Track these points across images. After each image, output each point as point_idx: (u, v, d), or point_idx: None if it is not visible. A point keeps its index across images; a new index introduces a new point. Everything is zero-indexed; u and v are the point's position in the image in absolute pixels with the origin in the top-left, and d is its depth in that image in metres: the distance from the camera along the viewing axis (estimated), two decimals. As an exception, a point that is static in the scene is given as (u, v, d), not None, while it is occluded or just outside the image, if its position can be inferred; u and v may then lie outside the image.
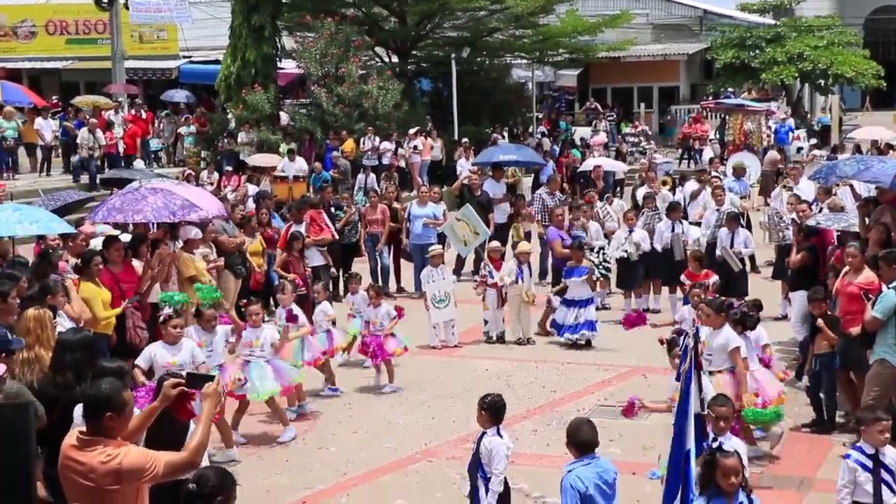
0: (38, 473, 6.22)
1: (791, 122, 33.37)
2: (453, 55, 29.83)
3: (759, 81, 37.62)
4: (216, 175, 22.91)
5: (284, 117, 27.28)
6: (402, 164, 26.09)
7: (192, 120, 28.83)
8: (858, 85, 38.46)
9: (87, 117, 25.82)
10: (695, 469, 5.83)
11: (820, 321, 9.75)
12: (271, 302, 13.14)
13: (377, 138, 25.69)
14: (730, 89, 37.82)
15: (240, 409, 9.87)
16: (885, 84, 38.32)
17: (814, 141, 33.09)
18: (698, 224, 15.45)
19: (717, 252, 13.78)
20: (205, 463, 6.05)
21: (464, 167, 23.76)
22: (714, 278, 12.54)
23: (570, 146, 29.64)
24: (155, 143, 28.71)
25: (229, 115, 27.16)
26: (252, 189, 19.28)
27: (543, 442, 9.58)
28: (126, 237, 11.84)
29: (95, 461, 4.86)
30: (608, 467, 6.20)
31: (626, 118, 36.99)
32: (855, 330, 9.28)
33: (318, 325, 11.23)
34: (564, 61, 35.55)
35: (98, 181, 22.53)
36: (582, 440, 6.17)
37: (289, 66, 30.05)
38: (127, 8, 31.18)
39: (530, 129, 33.40)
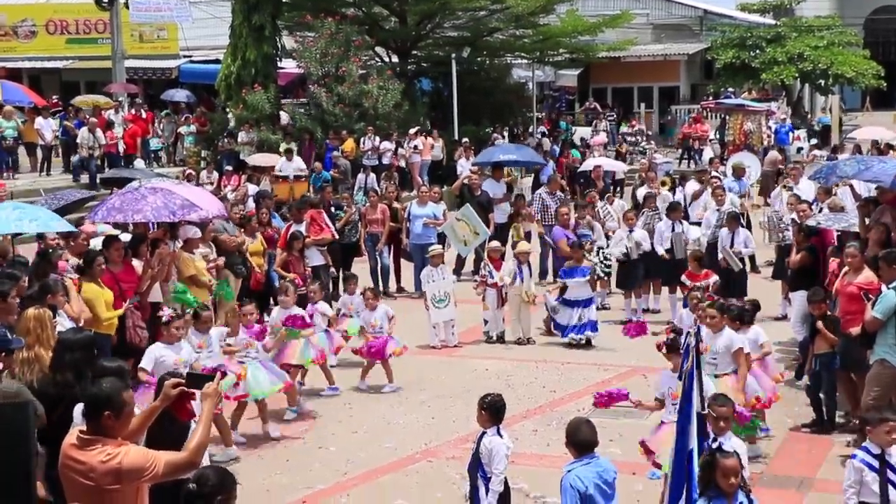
0: (39, 474, 6.23)
1: (789, 122, 33.37)
2: (453, 55, 29.83)
3: (760, 81, 37.62)
4: (215, 174, 22.91)
5: (284, 117, 27.28)
6: (403, 163, 26.10)
7: (193, 119, 28.84)
8: (858, 85, 38.46)
9: (87, 117, 25.83)
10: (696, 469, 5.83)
11: (819, 323, 9.76)
12: (271, 301, 13.16)
13: (377, 138, 25.70)
14: (730, 89, 37.81)
15: (238, 408, 9.87)
16: (885, 84, 38.32)
17: (814, 141, 33.09)
18: (699, 224, 15.45)
19: (719, 254, 13.77)
20: (205, 462, 6.06)
21: (464, 167, 23.77)
22: (714, 278, 12.55)
23: (570, 146, 29.64)
24: (155, 143, 28.71)
25: (229, 115, 27.16)
26: (252, 189, 19.28)
27: (543, 442, 9.59)
28: (126, 237, 11.83)
29: (95, 460, 4.86)
30: (608, 467, 6.20)
31: (625, 118, 36.99)
32: (855, 330, 9.29)
33: (317, 326, 11.23)
34: (565, 61, 35.55)
35: (98, 181, 22.53)
36: (581, 440, 6.17)
37: (289, 66, 30.05)
38: (127, 7, 31.18)
39: (530, 129, 33.39)
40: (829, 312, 9.93)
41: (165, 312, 9.05)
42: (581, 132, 33.49)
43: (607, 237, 15.34)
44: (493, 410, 6.94)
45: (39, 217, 10.82)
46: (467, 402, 9.56)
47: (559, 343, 13.24)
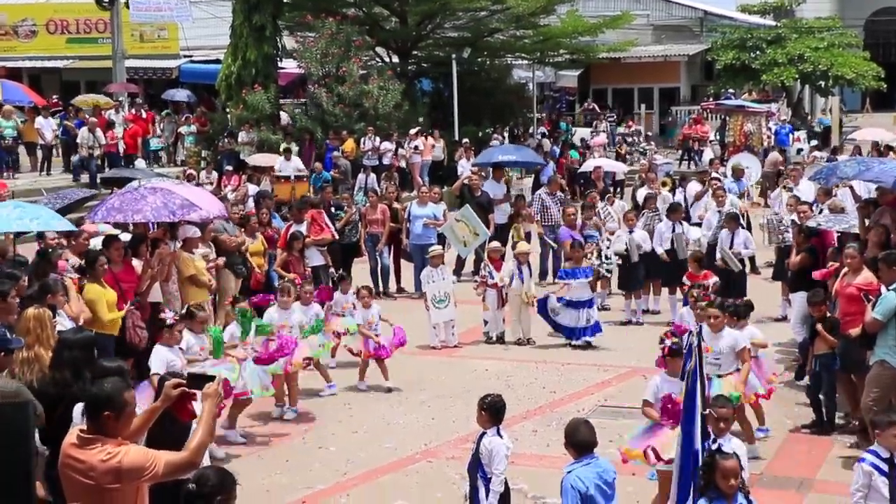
0: (38, 474, 6.23)
1: (789, 123, 33.37)
2: (454, 55, 29.83)
3: (760, 83, 37.62)
4: (215, 175, 22.91)
5: (284, 117, 27.28)
6: (403, 164, 26.10)
7: (193, 119, 28.84)
8: (859, 86, 38.47)
9: (87, 117, 25.84)
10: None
11: (819, 326, 9.76)
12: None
13: (377, 138, 25.70)
14: (730, 90, 37.82)
15: (236, 406, 9.85)
16: (885, 86, 38.33)
17: (814, 142, 33.10)
18: (700, 225, 15.45)
19: (717, 254, 13.78)
20: (206, 462, 6.06)
21: (464, 167, 23.78)
22: (714, 279, 12.56)
23: (569, 147, 29.64)
24: (155, 143, 28.71)
25: (229, 115, 27.15)
26: (252, 189, 19.28)
27: (543, 442, 9.59)
28: (126, 236, 11.83)
29: (95, 459, 4.86)
30: (608, 467, 6.21)
31: (622, 119, 36.99)
32: (855, 331, 9.29)
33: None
34: (565, 62, 35.55)
35: (98, 180, 22.54)
36: (580, 441, 6.18)
37: (289, 66, 30.06)
38: (128, 7, 31.17)
39: (531, 130, 33.40)
40: (828, 314, 9.93)
41: (168, 315, 9.04)
42: (581, 133, 33.48)
43: (608, 238, 15.33)
44: (493, 411, 6.94)
45: (41, 216, 10.83)
46: (467, 402, 9.56)
47: (559, 344, 13.24)
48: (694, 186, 17.73)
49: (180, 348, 8.95)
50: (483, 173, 20.25)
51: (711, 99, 36.91)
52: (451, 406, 10.78)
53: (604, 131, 33.60)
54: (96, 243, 11.50)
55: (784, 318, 13.49)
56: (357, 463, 9.30)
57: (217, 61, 30.88)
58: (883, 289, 9.08)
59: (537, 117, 34.82)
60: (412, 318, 13.98)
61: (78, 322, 9.03)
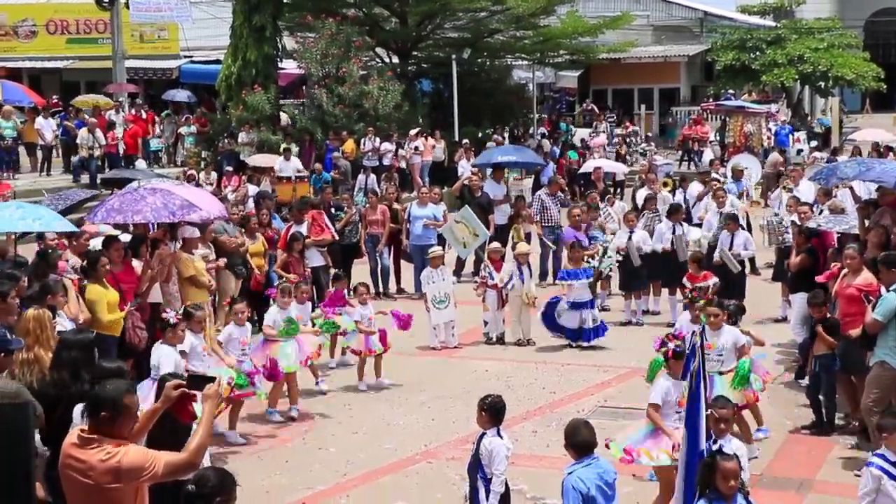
0: (38, 474, 6.23)
1: (789, 124, 33.39)
2: (454, 56, 29.83)
3: (760, 83, 37.62)
4: (214, 175, 22.91)
5: (284, 117, 27.28)
6: (403, 165, 26.10)
7: (193, 120, 28.84)
8: (858, 87, 38.46)
9: (87, 117, 25.84)
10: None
11: (819, 328, 9.76)
12: (270, 302, 13.14)
13: (377, 139, 25.70)
14: (730, 91, 37.84)
15: (235, 407, 9.87)
16: (885, 86, 38.32)
17: (814, 143, 33.10)
18: (701, 226, 15.45)
19: (716, 254, 13.79)
20: (206, 463, 6.06)
21: (465, 168, 23.78)
22: (714, 280, 12.55)
23: (568, 148, 29.62)
24: (155, 144, 28.71)
25: (229, 115, 27.15)
26: (252, 189, 19.28)
27: (543, 443, 9.58)
28: (126, 237, 11.83)
29: (94, 459, 4.87)
30: (608, 468, 6.21)
31: (619, 120, 36.98)
32: (855, 332, 9.29)
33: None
34: (565, 63, 35.55)
35: (98, 181, 22.54)
36: (580, 441, 6.18)
37: (289, 67, 30.06)
38: (128, 7, 31.17)
39: (531, 131, 33.39)
40: (829, 315, 9.93)
41: (170, 314, 9.06)
42: (581, 134, 33.48)
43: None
44: (493, 411, 6.95)
45: (43, 217, 10.82)
46: (467, 403, 9.56)
47: (559, 345, 13.23)
48: (696, 187, 17.74)
49: (182, 351, 8.96)
50: (479, 174, 20.23)
51: (711, 100, 36.93)
52: (451, 407, 10.78)
53: (604, 132, 33.62)
54: (96, 244, 11.50)
55: (784, 319, 13.49)
56: (357, 464, 9.30)
57: (217, 62, 30.89)
58: (883, 290, 9.08)
59: (537, 118, 34.83)
60: (412, 318, 13.98)
61: (77, 323, 9.03)
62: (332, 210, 16.25)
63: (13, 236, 11.42)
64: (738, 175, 19.12)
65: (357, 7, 30.23)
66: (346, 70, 26.32)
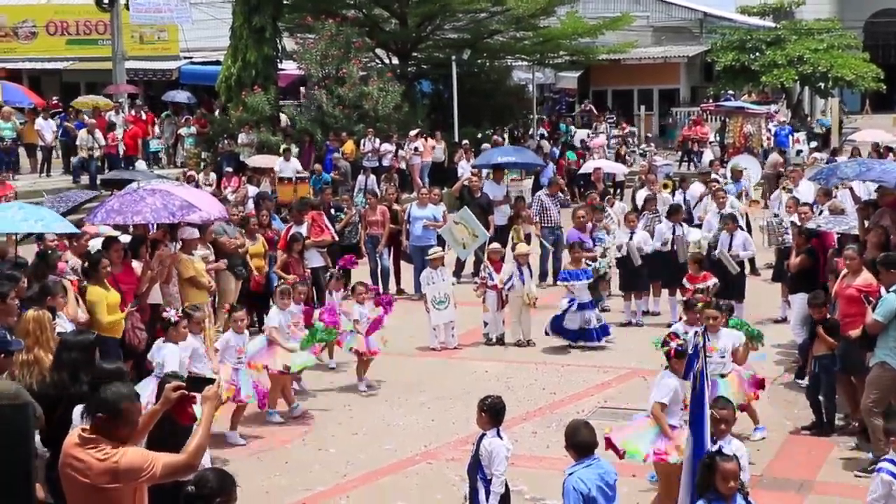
0: (39, 476, 6.23)
1: (789, 125, 33.40)
2: (454, 57, 29.84)
3: (759, 84, 37.64)
4: (213, 176, 22.92)
5: (284, 118, 27.28)
6: (403, 165, 26.10)
7: (193, 121, 28.84)
8: (858, 88, 38.48)
9: (87, 118, 25.85)
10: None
11: (820, 328, 9.75)
12: (271, 303, 13.14)
13: (377, 140, 25.70)
14: (730, 92, 37.85)
15: (237, 411, 9.88)
16: (884, 87, 38.33)
17: (814, 144, 33.10)
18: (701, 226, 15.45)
19: (715, 254, 13.79)
20: (207, 464, 6.06)
21: (464, 169, 23.77)
22: (713, 281, 12.55)
23: (568, 148, 29.61)
24: (155, 145, 28.72)
25: (229, 116, 27.15)
26: (252, 190, 19.29)
27: (543, 444, 9.58)
28: (126, 238, 11.83)
29: (93, 459, 4.88)
30: (609, 469, 6.21)
31: (616, 121, 36.99)
32: (855, 333, 9.29)
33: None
34: (565, 63, 35.56)
35: (98, 182, 22.54)
36: (580, 442, 6.18)
37: (289, 68, 30.06)
38: (128, 8, 31.18)
39: (530, 132, 33.40)
40: (829, 316, 9.93)
41: (171, 313, 9.06)
42: (581, 134, 33.49)
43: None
44: (492, 412, 6.95)
45: (45, 218, 10.82)
46: (467, 403, 9.56)
47: (559, 345, 13.23)
48: (697, 188, 17.74)
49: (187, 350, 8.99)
50: (479, 175, 20.23)
51: (711, 100, 36.95)
52: (450, 407, 10.78)
53: (603, 133, 33.63)
54: (95, 245, 11.51)
55: (784, 320, 13.49)
56: (357, 464, 9.30)
57: (217, 63, 30.89)
58: (883, 290, 9.08)
59: (537, 119, 34.84)
60: (412, 319, 13.99)
61: (76, 324, 9.04)
62: (332, 211, 16.26)
63: (14, 237, 11.42)
64: (737, 176, 19.13)
65: (357, 8, 30.23)
66: (345, 71, 26.33)
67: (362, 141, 25.68)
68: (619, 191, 24.30)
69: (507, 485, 6.92)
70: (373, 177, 22.16)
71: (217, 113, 28.39)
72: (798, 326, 11.81)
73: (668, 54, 39.66)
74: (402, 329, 13.89)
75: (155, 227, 12.32)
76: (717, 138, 31.83)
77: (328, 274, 13.24)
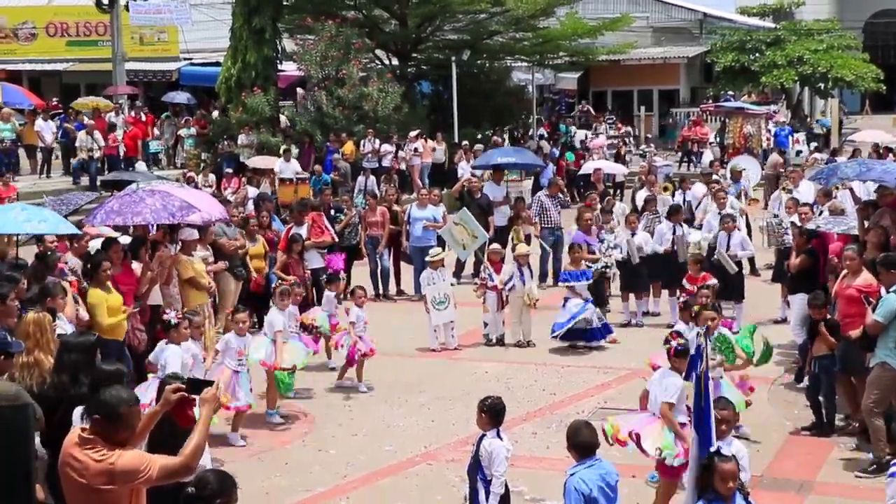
0: (40, 477, 6.23)
1: (789, 125, 33.40)
2: (453, 58, 29.83)
3: (759, 85, 37.63)
4: (212, 177, 22.92)
5: (283, 119, 27.28)
6: (403, 166, 26.10)
7: (193, 122, 28.84)
8: (858, 88, 38.46)
9: (86, 119, 25.86)
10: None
11: (822, 326, 9.76)
12: (270, 304, 13.14)
13: (377, 141, 25.70)
14: (730, 92, 37.85)
15: (238, 414, 9.88)
16: (884, 87, 38.32)
17: (814, 145, 33.09)
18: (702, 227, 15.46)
19: (715, 256, 13.79)
20: (207, 465, 6.05)
21: (464, 170, 23.77)
22: (713, 281, 12.55)
23: (567, 149, 29.60)
24: (155, 146, 28.72)
25: (229, 116, 27.15)
26: (252, 191, 19.28)
27: (543, 445, 9.58)
28: (126, 239, 11.83)
29: (90, 459, 4.89)
30: (610, 470, 6.21)
31: (612, 121, 36.99)
32: (855, 333, 9.29)
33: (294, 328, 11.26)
34: (564, 64, 35.55)
35: (98, 183, 22.55)
36: (582, 442, 6.18)
37: (289, 69, 30.06)
38: (127, 10, 31.19)
39: (530, 132, 33.39)
40: (829, 316, 9.93)
41: (172, 314, 9.05)
42: (581, 135, 33.47)
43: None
44: (492, 413, 6.95)
45: (48, 219, 10.82)
46: (467, 404, 9.56)
47: (559, 346, 13.23)
48: (699, 188, 17.74)
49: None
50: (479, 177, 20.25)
51: (711, 101, 36.93)
52: (450, 408, 10.78)
53: (602, 133, 33.62)
54: (95, 246, 11.50)
55: (784, 321, 13.48)
56: (357, 465, 9.30)
57: (217, 64, 30.89)
58: (883, 291, 9.08)
59: (537, 119, 34.83)
60: (412, 320, 13.99)
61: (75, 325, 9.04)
62: (332, 212, 16.26)
63: (14, 238, 11.43)
64: (736, 176, 19.13)
65: (357, 9, 30.23)
66: (345, 72, 26.32)
67: (362, 142, 25.68)
68: (618, 191, 24.30)
69: (506, 485, 6.92)
70: (372, 178, 22.16)
71: (217, 114, 28.40)
72: (798, 327, 11.81)
73: (668, 55, 39.67)
74: (402, 330, 13.91)
75: (155, 228, 12.32)
76: (717, 139, 31.83)
77: (327, 276, 13.23)
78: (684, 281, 12.88)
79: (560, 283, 14.39)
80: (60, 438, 5.24)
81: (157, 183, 14.64)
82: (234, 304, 12.78)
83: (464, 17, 31.46)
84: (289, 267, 13.51)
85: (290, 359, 10.58)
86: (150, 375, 9.18)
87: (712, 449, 5.97)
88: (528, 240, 16.11)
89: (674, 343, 7.80)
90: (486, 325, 13.58)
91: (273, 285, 12.44)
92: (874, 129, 30.58)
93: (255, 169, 22.68)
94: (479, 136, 29.33)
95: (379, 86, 26.80)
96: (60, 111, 30.16)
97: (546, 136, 32.52)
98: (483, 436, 6.95)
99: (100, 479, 4.86)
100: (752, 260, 16.18)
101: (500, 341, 13.48)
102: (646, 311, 14.77)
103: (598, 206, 16.45)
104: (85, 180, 23.93)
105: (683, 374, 7.43)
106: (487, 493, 6.82)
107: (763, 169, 24.73)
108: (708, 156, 28.95)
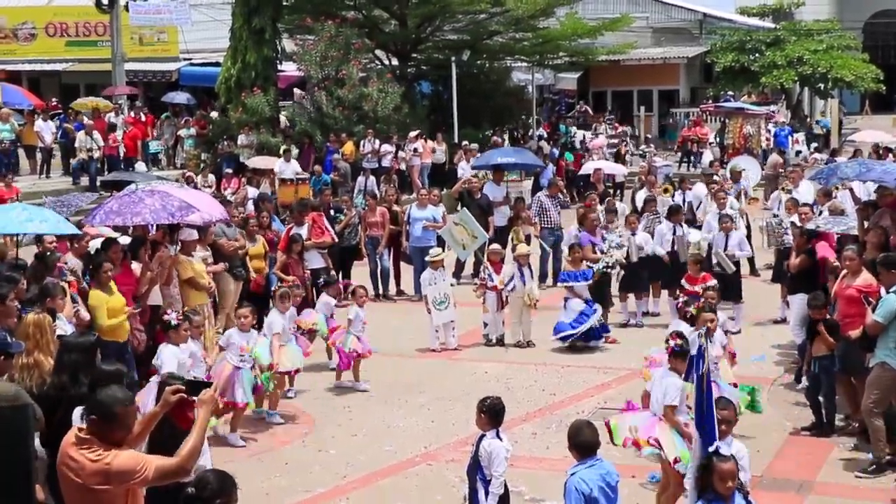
0: (40, 477, 6.23)
1: (789, 125, 33.41)
2: (453, 58, 29.83)
3: (759, 85, 37.64)
4: (211, 178, 22.92)
5: (283, 119, 27.28)
6: (402, 166, 26.10)
7: (192, 122, 28.83)
8: (858, 88, 38.49)
9: (86, 119, 25.87)
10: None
11: (821, 326, 9.76)
12: (271, 304, 13.14)
13: (377, 141, 25.70)
14: (729, 93, 37.84)
15: (236, 414, 9.88)
16: (884, 88, 38.35)
17: (815, 145, 33.09)
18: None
19: (713, 257, 13.79)
20: (207, 465, 6.06)
21: (464, 170, 23.77)
22: (712, 281, 12.55)
23: (567, 149, 29.60)
24: (154, 146, 28.71)
25: (229, 117, 27.15)
26: (252, 192, 19.28)
27: (543, 445, 9.58)
28: (125, 239, 11.82)
29: (86, 459, 4.89)
30: (611, 470, 6.20)
31: (609, 122, 36.97)
32: (855, 333, 9.29)
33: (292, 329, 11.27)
34: (564, 64, 35.54)
35: (98, 183, 22.54)
36: (583, 442, 6.17)
37: (289, 69, 30.07)
38: (127, 10, 31.18)
39: (530, 133, 33.39)
40: (828, 316, 9.93)
41: (172, 315, 9.05)
42: (580, 135, 33.48)
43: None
44: (492, 413, 6.94)
45: (48, 219, 10.82)
46: (467, 404, 9.56)
47: (559, 346, 13.23)
48: (701, 188, 17.75)
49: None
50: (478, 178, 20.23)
51: (711, 101, 36.93)
52: (450, 409, 10.78)
53: (602, 133, 33.62)
54: (95, 246, 11.50)
55: (783, 321, 13.49)
56: (357, 466, 9.30)
57: (217, 64, 30.89)
58: (883, 291, 9.08)
59: (536, 120, 34.82)
60: (412, 320, 13.99)
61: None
62: (332, 212, 16.26)
63: (14, 238, 11.43)
64: (736, 177, 19.13)
65: (356, 9, 30.22)
66: (345, 72, 26.32)
67: (362, 142, 25.67)
68: (618, 192, 24.29)
69: (506, 486, 6.92)
70: (372, 178, 22.16)
71: (216, 114, 28.40)
72: (797, 327, 11.80)
73: (668, 55, 39.67)
74: (401, 330, 13.91)
75: (154, 228, 12.32)
76: (717, 139, 31.83)
77: (324, 278, 13.24)
78: (683, 281, 12.88)
79: (559, 284, 14.39)
80: (60, 439, 5.24)
81: (157, 183, 14.62)
82: (234, 304, 12.78)
83: (464, 17, 31.46)
84: (289, 267, 13.51)
85: (290, 362, 10.57)
86: (152, 379, 9.18)
87: (711, 449, 5.98)
88: (528, 240, 16.10)
89: (671, 343, 7.80)
90: (485, 325, 13.58)
91: (273, 287, 12.43)
92: (874, 130, 30.60)
93: (254, 169, 22.67)
94: (480, 136, 29.35)
95: (379, 86, 26.79)
96: (60, 111, 30.16)
97: (546, 136, 32.53)
98: (483, 436, 6.95)
99: (95, 479, 4.86)
100: (751, 260, 16.17)
101: (500, 341, 13.48)
102: (646, 312, 14.77)
103: (600, 207, 16.47)
104: (84, 181, 23.92)
105: (682, 374, 7.43)
106: (487, 493, 6.82)
107: (763, 169, 24.73)
108: (708, 156, 28.96)
